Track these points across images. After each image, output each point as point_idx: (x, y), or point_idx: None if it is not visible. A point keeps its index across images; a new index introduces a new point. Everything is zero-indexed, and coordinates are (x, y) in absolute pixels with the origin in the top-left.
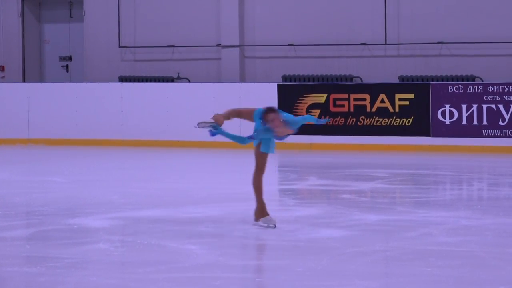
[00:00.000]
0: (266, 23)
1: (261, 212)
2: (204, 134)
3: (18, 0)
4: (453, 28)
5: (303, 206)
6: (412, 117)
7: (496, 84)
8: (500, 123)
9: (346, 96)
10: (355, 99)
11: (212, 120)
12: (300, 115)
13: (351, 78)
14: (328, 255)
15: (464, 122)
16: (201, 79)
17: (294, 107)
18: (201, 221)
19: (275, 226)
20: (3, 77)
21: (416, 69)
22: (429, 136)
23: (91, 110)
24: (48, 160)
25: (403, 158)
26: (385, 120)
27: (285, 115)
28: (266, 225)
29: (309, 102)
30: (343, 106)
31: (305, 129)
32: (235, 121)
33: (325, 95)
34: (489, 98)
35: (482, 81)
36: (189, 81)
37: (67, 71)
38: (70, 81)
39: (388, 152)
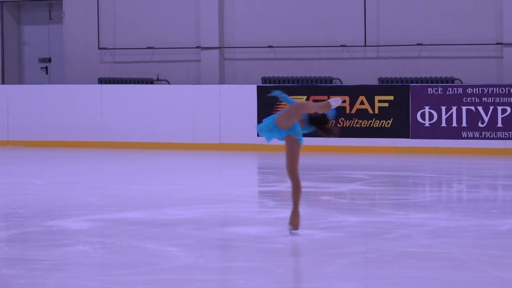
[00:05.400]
0: (245, 25)
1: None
2: (183, 136)
3: None
4: (433, 30)
5: (283, 208)
6: (392, 119)
7: (475, 86)
8: (480, 124)
9: (325, 98)
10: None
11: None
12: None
13: (330, 80)
14: (308, 256)
15: (443, 124)
16: (180, 81)
17: (274, 109)
18: (181, 223)
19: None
20: None
21: (396, 71)
22: (409, 138)
23: (71, 112)
24: (27, 162)
25: (383, 160)
26: (365, 122)
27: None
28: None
29: None
30: None
31: None
32: (215, 120)
33: (304, 97)
34: (468, 100)
35: (462, 83)
36: (169, 83)
37: (47, 73)
38: (50, 83)
39: (367, 154)
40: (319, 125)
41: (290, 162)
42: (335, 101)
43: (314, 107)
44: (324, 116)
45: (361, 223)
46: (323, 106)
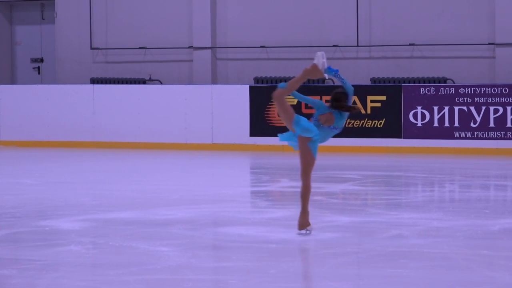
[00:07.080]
0: (238, 25)
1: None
2: (175, 136)
3: None
4: (425, 30)
5: (275, 208)
6: (384, 119)
7: (468, 86)
8: (472, 125)
9: (318, 98)
10: (327, 101)
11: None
12: (272, 117)
13: (323, 80)
14: (300, 257)
15: (435, 124)
16: (173, 81)
17: (266, 109)
18: (173, 223)
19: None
20: None
21: (388, 71)
22: (401, 138)
23: (63, 112)
24: (19, 162)
25: (375, 160)
26: (357, 122)
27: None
28: (305, 232)
29: None
30: None
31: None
32: (207, 120)
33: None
34: (460, 100)
35: (454, 83)
36: (161, 83)
37: (39, 73)
38: (42, 83)
39: (359, 154)
40: (341, 105)
41: (304, 163)
42: (321, 56)
43: (302, 77)
44: (338, 94)
45: (353, 223)
46: (309, 72)
